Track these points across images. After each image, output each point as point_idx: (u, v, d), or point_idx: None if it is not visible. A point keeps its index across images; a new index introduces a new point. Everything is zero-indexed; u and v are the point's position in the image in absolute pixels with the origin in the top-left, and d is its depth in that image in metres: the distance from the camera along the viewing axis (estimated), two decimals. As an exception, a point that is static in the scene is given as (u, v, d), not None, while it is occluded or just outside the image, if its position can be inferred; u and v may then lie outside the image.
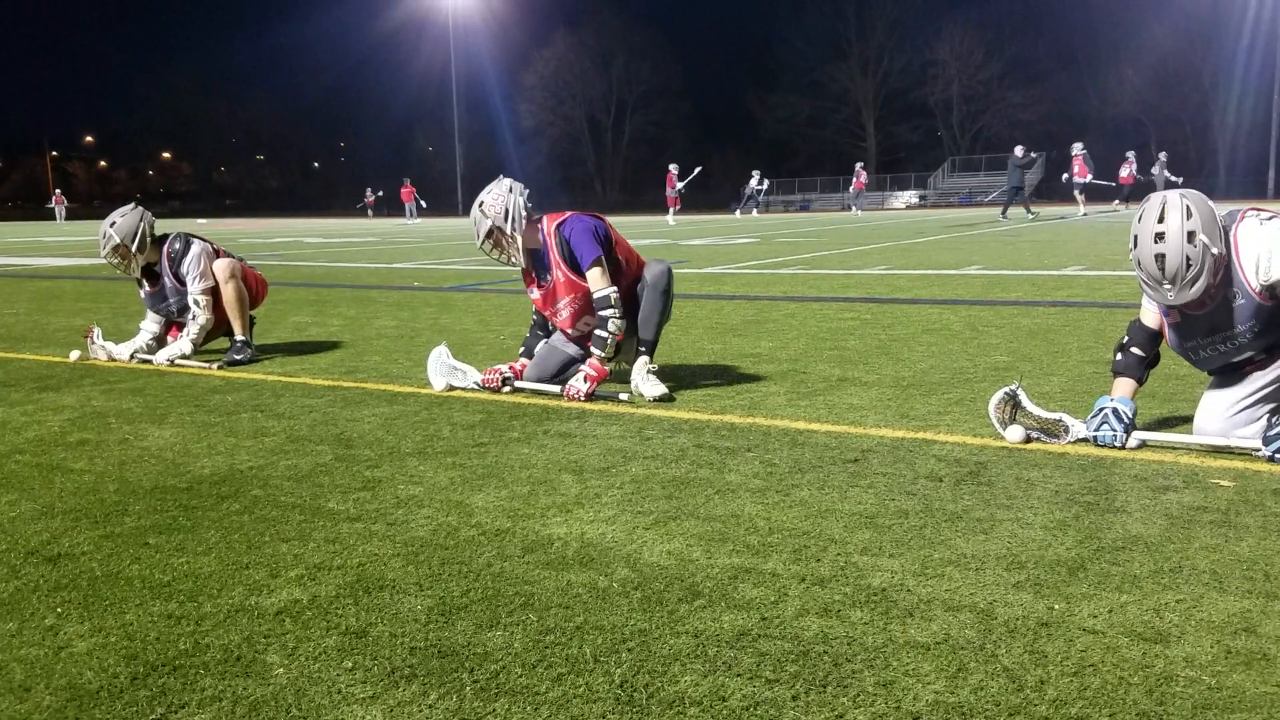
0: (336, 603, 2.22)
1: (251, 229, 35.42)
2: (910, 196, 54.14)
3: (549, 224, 4.45)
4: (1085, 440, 3.42)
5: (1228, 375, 3.40)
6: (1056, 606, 2.13)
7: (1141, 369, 3.49)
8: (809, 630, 2.04)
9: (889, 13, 67.68)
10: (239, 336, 5.69)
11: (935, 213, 40.67)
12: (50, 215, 48.31)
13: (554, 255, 4.41)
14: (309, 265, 14.88)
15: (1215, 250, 3.06)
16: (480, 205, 4.45)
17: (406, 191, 43.42)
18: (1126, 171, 31.88)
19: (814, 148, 70.77)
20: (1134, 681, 1.80)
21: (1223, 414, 3.34)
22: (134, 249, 5.58)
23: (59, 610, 2.21)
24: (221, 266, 5.70)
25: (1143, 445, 3.37)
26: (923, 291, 8.81)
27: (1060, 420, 3.45)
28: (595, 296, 4.36)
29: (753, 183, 39.28)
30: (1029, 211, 27.62)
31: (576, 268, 4.38)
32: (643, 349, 4.49)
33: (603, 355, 4.37)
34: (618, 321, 4.35)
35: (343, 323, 7.42)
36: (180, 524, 2.79)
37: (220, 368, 5.43)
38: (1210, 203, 3.15)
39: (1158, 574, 2.30)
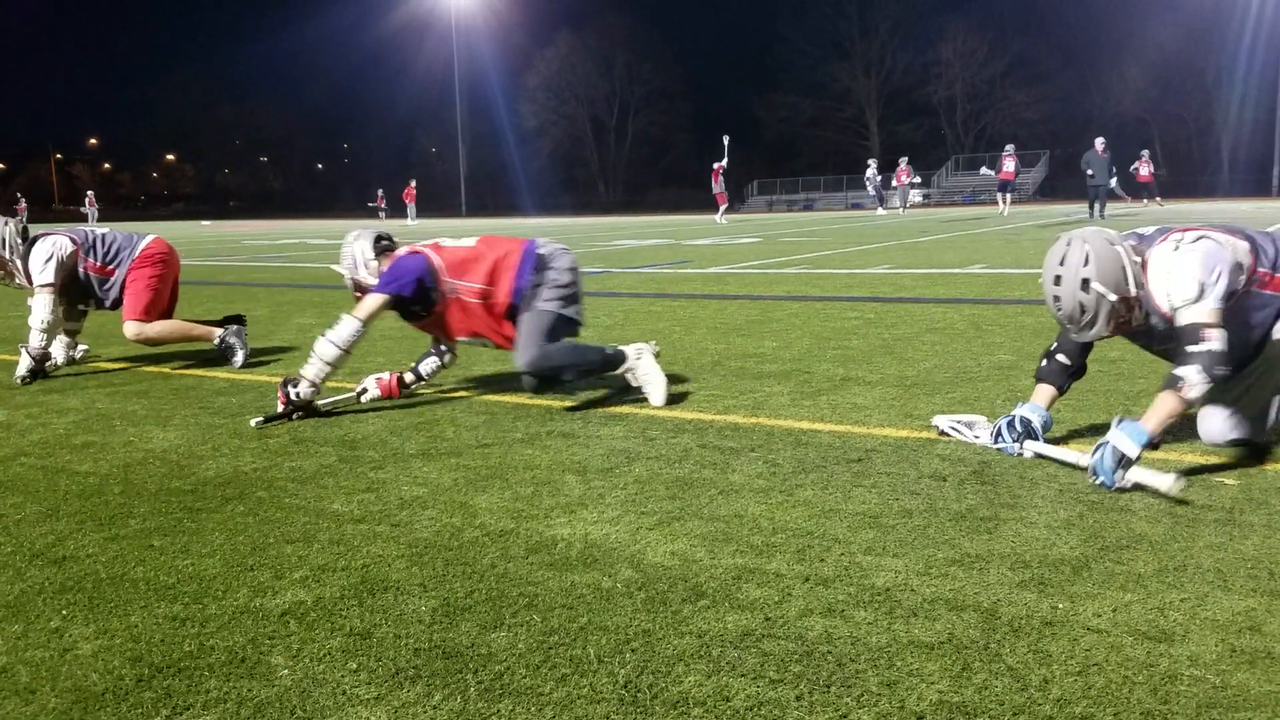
0: (341, 604, 2.22)
1: (255, 230, 35.46)
2: (914, 195, 54.01)
3: (385, 268, 4.36)
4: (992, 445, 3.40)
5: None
6: (1061, 606, 2.13)
7: (1064, 377, 3.40)
8: (813, 630, 2.04)
9: (892, 12, 67.62)
10: (215, 343, 5.64)
11: (939, 211, 40.62)
12: (84, 218, 49.30)
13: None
14: (313, 267, 14.89)
15: (1112, 298, 3.01)
16: (340, 262, 4.48)
17: (409, 193, 43.50)
18: (1146, 170, 31.90)
19: (817, 148, 70.68)
20: (1138, 680, 1.80)
21: (1222, 416, 3.30)
22: (8, 258, 5.44)
23: (64, 612, 2.22)
24: (129, 329, 5.48)
25: (1036, 456, 3.26)
26: (926, 290, 8.81)
27: (974, 423, 3.52)
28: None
29: (869, 173, 38.01)
30: (1099, 212, 24.39)
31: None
32: (613, 371, 4.31)
33: (307, 378, 4.10)
34: (329, 348, 4.11)
35: (346, 324, 7.41)
36: (185, 526, 2.79)
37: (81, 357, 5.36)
38: (1122, 244, 3.07)
39: (1162, 573, 2.30)
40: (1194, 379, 2.89)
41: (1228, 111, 57.00)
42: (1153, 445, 2.93)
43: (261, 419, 4.05)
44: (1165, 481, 2.79)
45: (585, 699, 1.79)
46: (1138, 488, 2.87)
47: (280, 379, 4.25)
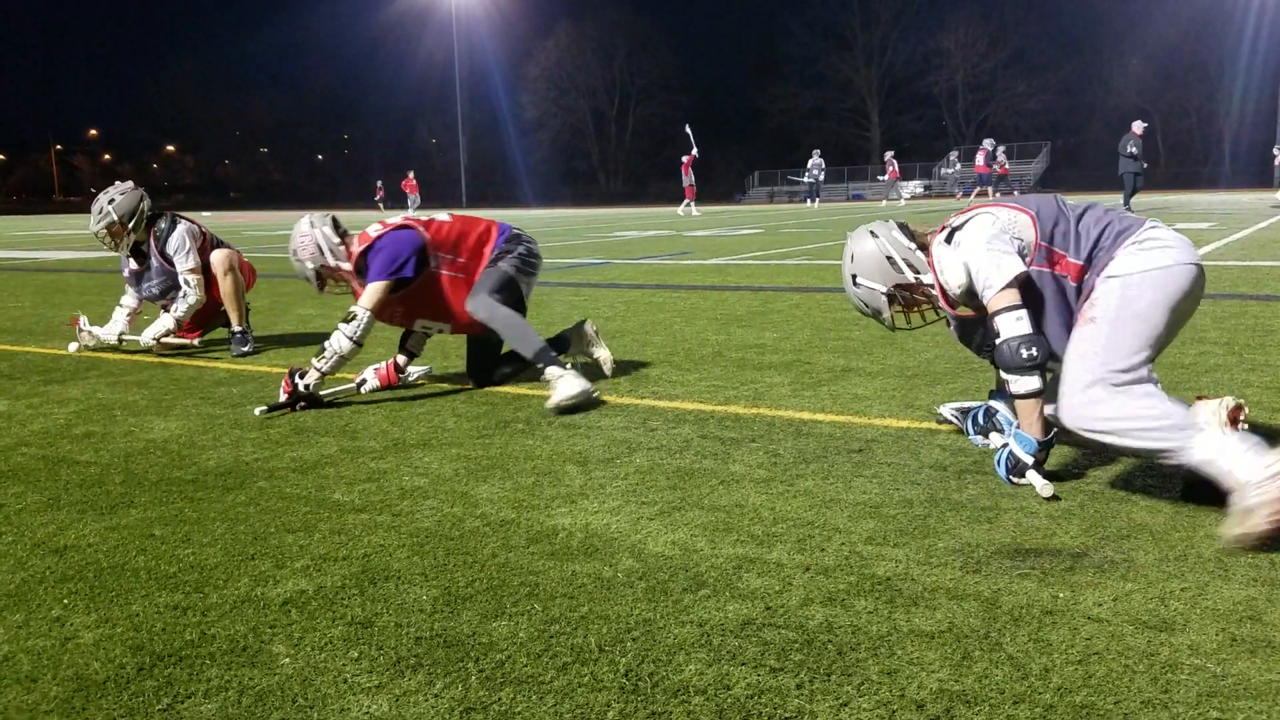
0: (342, 593, 2.22)
1: (255, 221, 35.42)
2: (915, 186, 53.99)
3: (357, 249, 4.30)
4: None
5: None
6: (1061, 595, 2.13)
7: None
8: (814, 619, 2.04)
9: (893, 3, 67.48)
10: (236, 327, 5.71)
11: (940, 202, 40.57)
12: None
13: (355, 284, 4.36)
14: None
15: (882, 289, 3.13)
16: (294, 255, 4.35)
17: (409, 184, 43.45)
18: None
19: (818, 139, 70.53)
20: (1139, 669, 1.81)
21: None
22: (129, 227, 5.62)
23: (65, 601, 2.22)
24: (219, 258, 5.73)
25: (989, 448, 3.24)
26: (927, 282, 8.79)
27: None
28: (350, 309, 4.23)
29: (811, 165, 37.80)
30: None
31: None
32: (538, 365, 4.22)
33: (317, 367, 4.11)
34: (342, 339, 4.13)
35: (347, 315, 7.42)
36: (186, 515, 2.80)
37: (198, 343, 5.50)
38: (887, 234, 3.17)
39: (1163, 562, 2.30)
40: (1008, 377, 2.80)
41: (1229, 103, 56.92)
42: (1048, 445, 2.82)
43: (265, 408, 4.05)
44: (1045, 491, 2.74)
45: (586, 687, 1.79)
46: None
47: (286, 369, 4.23)
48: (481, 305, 4.25)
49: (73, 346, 5.80)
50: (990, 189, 31.47)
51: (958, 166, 40.66)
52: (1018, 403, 2.84)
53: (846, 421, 3.70)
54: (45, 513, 2.85)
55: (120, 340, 5.74)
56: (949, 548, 2.42)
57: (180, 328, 5.71)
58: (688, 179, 31.55)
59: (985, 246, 2.84)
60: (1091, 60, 62.29)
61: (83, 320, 5.80)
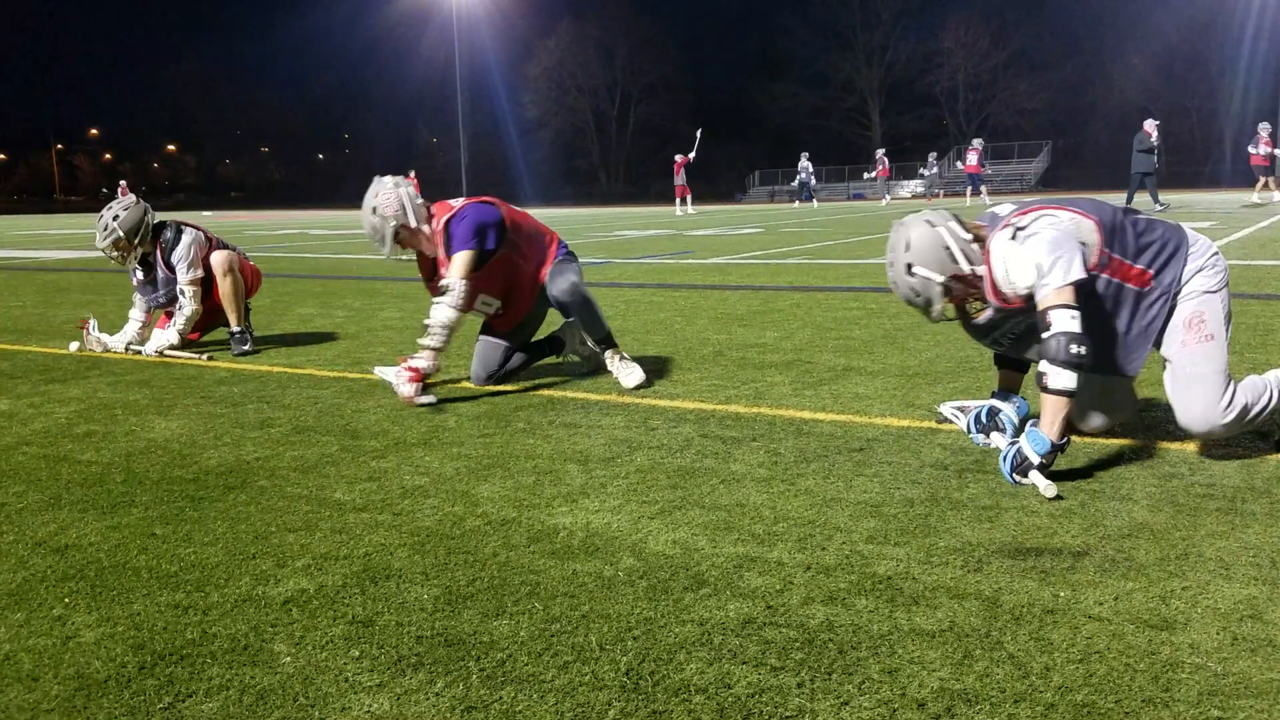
0: (343, 592, 2.23)
1: (256, 221, 35.44)
2: (916, 185, 53.91)
3: (439, 219, 4.34)
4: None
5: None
6: (1062, 594, 2.13)
7: (1014, 360, 3.39)
8: (814, 618, 2.04)
9: (893, 2, 67.45)
10: (235, 327, 5.72)
11: (942, 202, 40.57)
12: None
13: (441, 252, 4.35)
14: (314, 257, 14.89)
15: (939, 279, 3.04)
16: (374, 211, 4.29)
17: (411, 183, 43.48)
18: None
19: (819, 138, 70.55)
20: (1140, 668, 1.81)
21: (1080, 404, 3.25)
22: (135, 242, 5.61)
23: (67, 600, 2.22)
24: (219, 259, 5.73)
25: (993, 448, 3.26)
26: (928, 281, 8.78)
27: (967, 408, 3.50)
28: (441, 283, 4.26)
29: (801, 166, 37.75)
30: (1158, 202, 22.57)
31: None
32: (604, 345, 4.48)
33: (429, 345, 4.17)
34: (447, 310, 4.17)
35: (348, 314, 7.43)
36: (187, 515, 2.80)
37: (210, 357, 5.49)
38: (945, 225, 3.08)
39: (1164, 561, 2.30)
40: (1049, 370, 2.82)
41: (1231, 102, 56.82)
42: (1060, 449, 2.84)
43: (431, 398, 4.13)
44: (1049, 492, 2.76)
45: (587, 686, 1.79)
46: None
47: (400, 363, 4.22)
48: (567, 281, 4.40)
49: (73, 346, 5.81)
50: (970, 189, 31.53)
51: (935, 169, 40.69)
52: (1046, 398, 2.84)
53: (847, 421, 3.70)
54: (46, 512, 2.85)
55: (127, 349, 5.74)
56: (950, 547, 2.42)
57: (183, 340, 5.70)
58: (679, 179, 31.72)
59: (1053, 247, 2.89)
60: (1092, 59, 62.27)
61: (92, 324, 5.80)
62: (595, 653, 1.91)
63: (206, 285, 5.74)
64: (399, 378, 4.13)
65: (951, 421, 3.52)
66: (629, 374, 4.40)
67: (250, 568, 2.39)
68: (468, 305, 4.26)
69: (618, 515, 2.70)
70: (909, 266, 3.08)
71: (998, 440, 3.24)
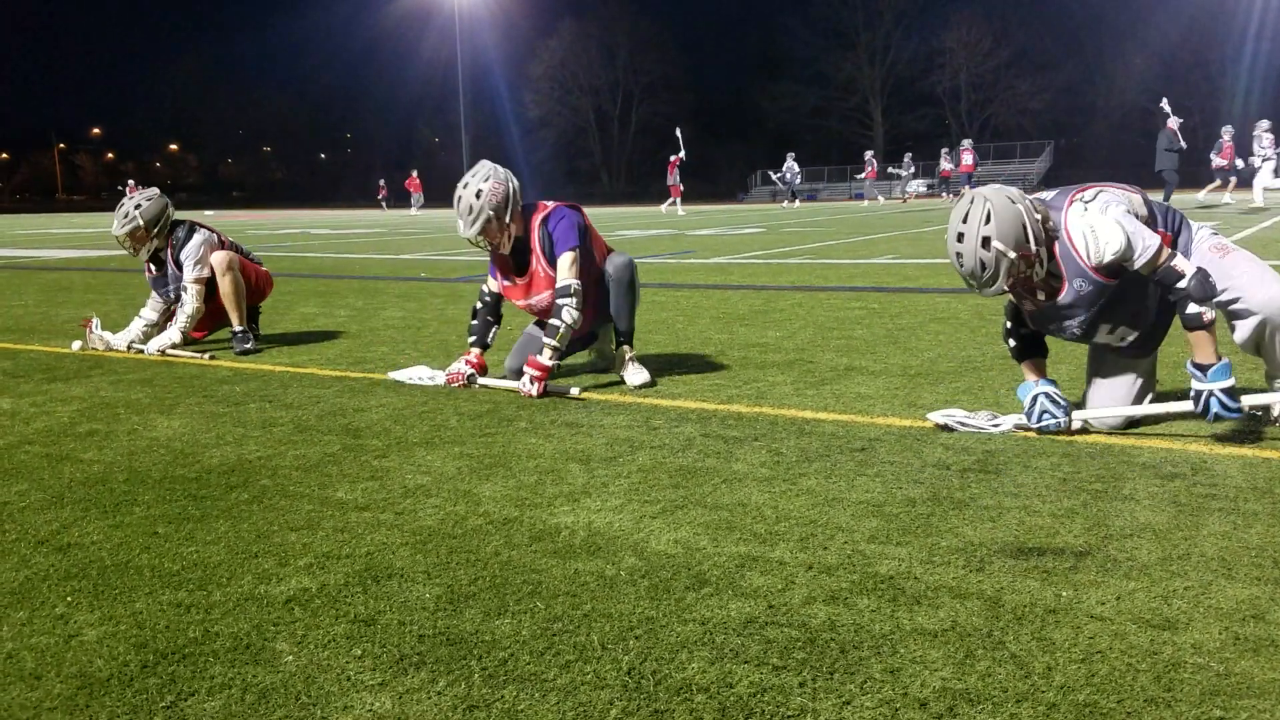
0: (345, 591, 2.23)
1: (258, 220, 35.47)
2: (919, 185, 53.94)
3: (535, 217, 4.40)
4: (1023, 429, 3.43)
5: (1103, 354, 3.54)
6: (1064, 594, 2.13)
7: (1039, 344, 3.52)
8: (816, 618, 2.04)
9: (895, 2, 67.42)
10: (237, 327, 5.73)
11: (944, 201, 40.52)
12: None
13: (536, 249, 4.38)
14: (316, 256, 14.90)
15: (1012, 255, 3.09)
16: (478, 194, 4.30)
17: (412, 182, 43.44)
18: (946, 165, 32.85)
19: (820, 138, 70.57)
20: (1142, 668, 1.80)
21: (1117, 396, 3.50)
22: (152, 234, 5.64)
23: (69, 599, 2.22)
24: (219, 258, 5.74)
25: (1084, 426, 3.42)
26: (930, 280, 8.79)
27: (990, 416, 3.51)
28: (558, 285, 4.32)
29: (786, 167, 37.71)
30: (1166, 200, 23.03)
31: (554, 261, 4.36)
32: (623, 340, 4.54)
33: (554, 345, 4.28)
34: (574, 313, 4.28)
35: (350, 313, 7.43)
36: (189, 513, 2.80)
37: (211, 356, 5.49)
38: (1023, 202, 3.14)
39: (1166, 561, 2.29)
40: (1199, 308, 3.09)
41: (1233, 103, 56.73)
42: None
43: (578, 389, 4.25)
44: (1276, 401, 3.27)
45: (589, 685, 1.79)
46: (1252, 410, 3.24)
47: (532, 379, 4.25)
48: (625, 259, 4.56)
49: (76, 345, 5.81)
50: (948, 189, 31.62)
51: (910, 170, 40.77)
52: (1197, 335, 3.12)
53: (849, 420, 3.70)
54: (49, 510, 2.85)
55: (129, 348, 5.75)
56: (952, 546, 2.41)
57: (185, 339, 5.72)
58: (672, 178, 31.98)
59: (1129, 215, 3.18)
60: (1094, 59, 62.21)
61: (95, 323, 5.81)
62: (597, 652, 1.91)
63: (211, 285, 5.76)
64: (527, 380, 4.25)
65: (956, 430, 3.48)
66: (636, 374, 4.43)
67: (252, 566, 2.39)
68: (584, 304, 4.36)
69: (619, 515, 2.70)
70: (986, 240, 3.10)
71: (1083, 415, 3.41)
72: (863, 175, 41.43)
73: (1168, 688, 1.73)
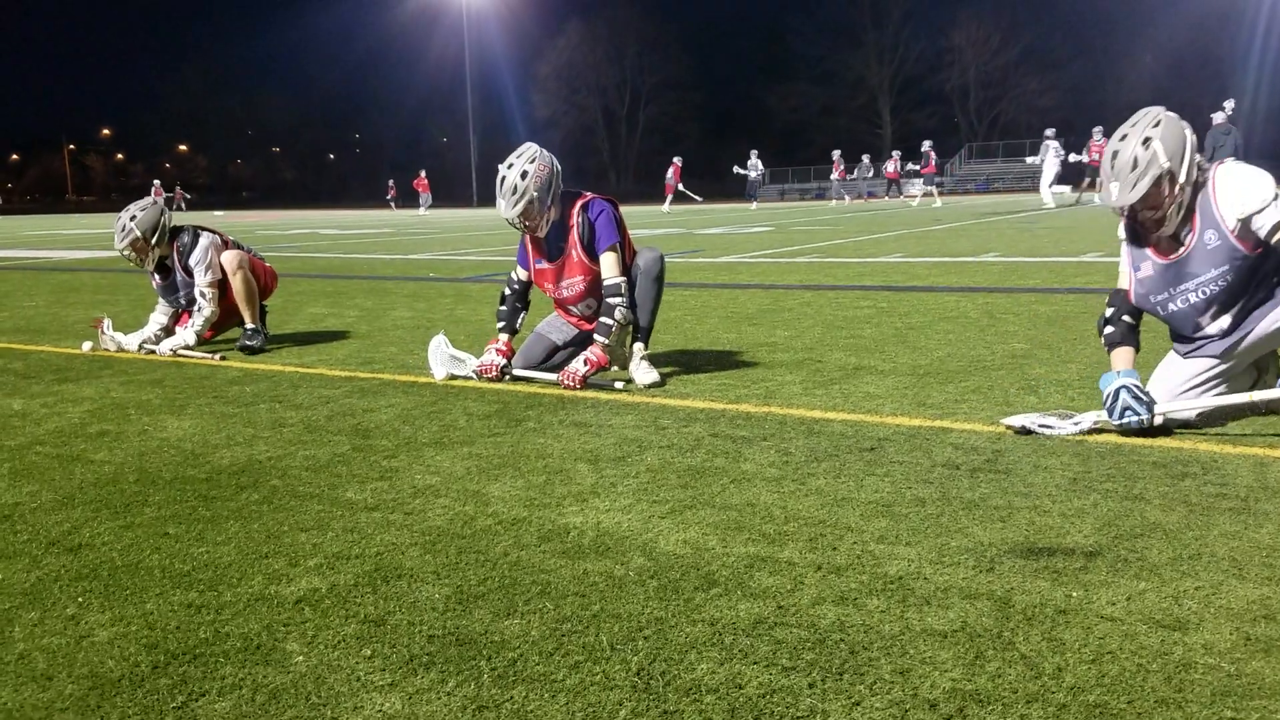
0: (355, 591, 2.23)
1: (267, 220, 35.55)
2: (921, 184, 53.79)
3: (576, 203, 4.47)
4: (1101, 430, 3.40)
5: (1185, 344, 3.49)
6: (1074, 594, 2.12)
7: (1136, 336, 3.53)
8: (825, 618, 2.04)
9: (904, 0, 67.33)
10: (249, 325, 5.76)
11: (952, 199, 40.44)
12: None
13: (573, 235, 4.45)
14: (325, 256, 14.93)
15: (1164, 164, 3.17)
16: (524, 174, 4.32)
17: (420, 183, 43.55)
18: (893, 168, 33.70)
19: (829, 137, 70.46)
20: (1152, 669, 1.80)
21: (1171, 391, 3.45)
22: (152, 243, 5.64)
23: (80, 600, 2.23)
24: (229, 258, 5.76)
25: (1164, 420, 3.38)
26: (939, 279, 8.78)
27: (1066, 415, 3.46)
28: (606, 283, 4.39)
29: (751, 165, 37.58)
30: None
31: (591, 250, 4.41)
32: (639, 336, 4.56)
33: (606, 343, 4.39)
34: (625, 311, 4.38)
35: (359, 314, 7.44)
36: (200, 514, 2.81)
37: (222, 357, 5.50)
38: (1191, 136, 3.26)
39: (1176, 561, 2.29)
40: None
41: (1241, 100, 56.52)
42: None
43: (621, 382, 4.33)
44: None
45: (598, 686, 1.79)
46: None
47: (586, 360, 4.38)
48: (655, 253, 4.55)
49: (86, 345, 5.84)
50: (923, 189, 31.74)
51: (870, 174, 40.78)
52: None
53: (858, 420, 3.70)
54: (60, 511, 2.86)
55: (141, 349, 5.77)
56: (961, 547, 2.41)
57: (199, 341, 5.74)
58: (672, 178, 32.49)
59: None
60: (1103, 57, 62.07)
61: (106, 324, 5.83)
62: (606, 652, 1.91)
63: (223, 286, 5.78)
64: (581, 362, 4.36)
65: (1039, 434, 3.39)
66: (646, 373, 4.44)
67: (262, 567, 2.40)
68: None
69: (628, 515, 2.70)
70: (1148, 140, 3.22)
71: (1165, 408, 3.36)
72: (834, 175, 41.24)
73: (1178, 688, 1.73)
